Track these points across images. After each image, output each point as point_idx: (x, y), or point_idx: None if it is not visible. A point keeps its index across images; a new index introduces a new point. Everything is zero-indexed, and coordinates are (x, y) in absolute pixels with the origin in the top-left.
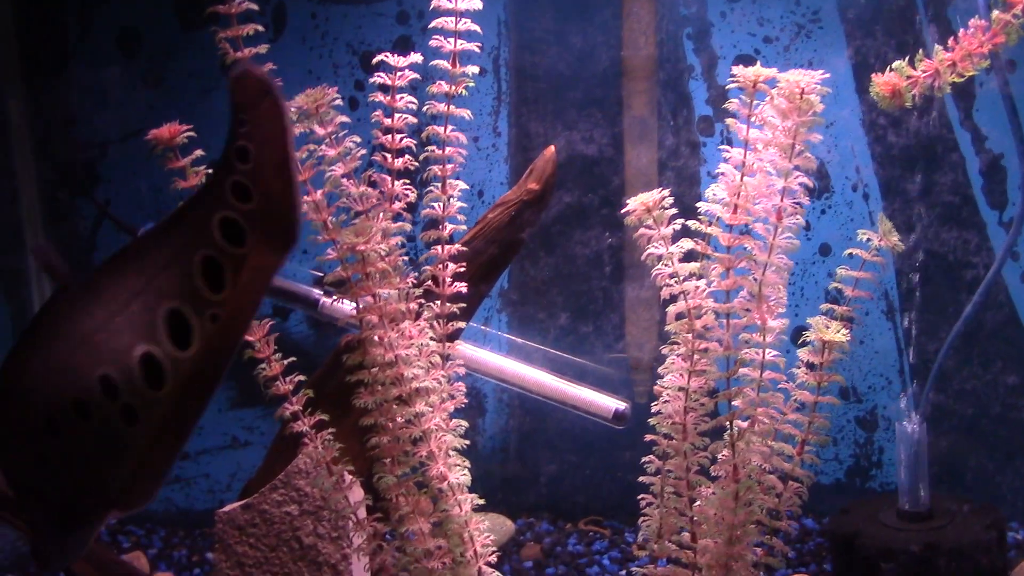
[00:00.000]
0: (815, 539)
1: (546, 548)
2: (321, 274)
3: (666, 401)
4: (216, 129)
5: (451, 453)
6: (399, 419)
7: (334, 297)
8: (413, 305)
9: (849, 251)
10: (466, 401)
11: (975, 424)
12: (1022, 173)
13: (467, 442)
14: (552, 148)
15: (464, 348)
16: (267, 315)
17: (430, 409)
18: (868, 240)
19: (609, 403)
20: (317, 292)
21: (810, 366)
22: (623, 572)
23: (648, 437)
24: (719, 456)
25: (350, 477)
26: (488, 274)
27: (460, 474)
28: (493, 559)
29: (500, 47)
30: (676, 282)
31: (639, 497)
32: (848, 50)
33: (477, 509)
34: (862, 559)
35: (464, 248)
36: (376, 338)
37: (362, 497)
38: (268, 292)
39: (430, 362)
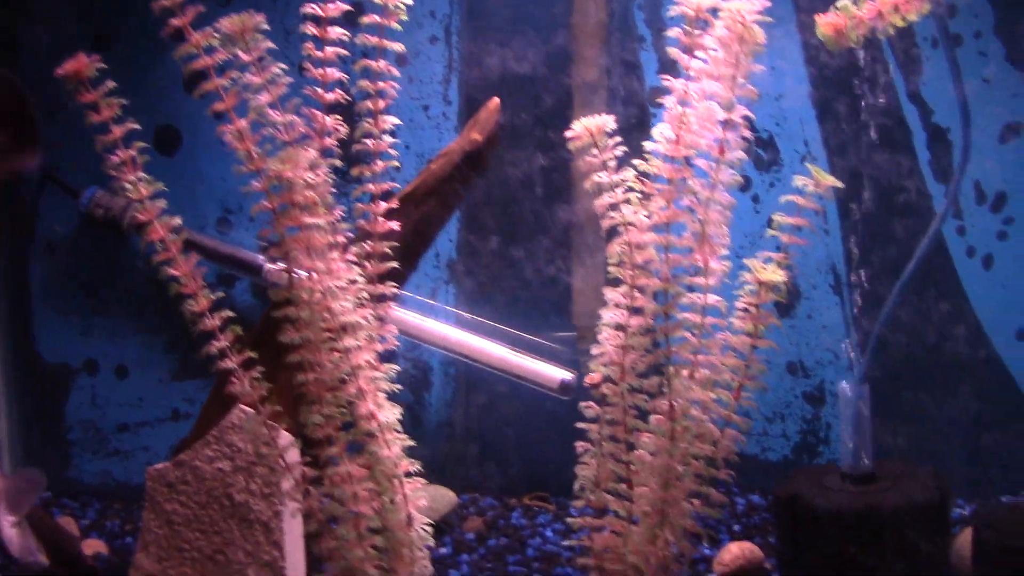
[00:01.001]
0: (761, 514)
1: (489, 521)
2: (266, 243)
3: (605, 340)
4: (167, 91)
5: (381, 395)
6: (326, 357)
7: (278, 263)
8: (341, 238)
9: (785, 197)
10: (398, 344)
11: (911, 354)
12: (963, 134)
13: (398, 387)
14: (496, 100)
15: (407, 316)
16: (211, 283)
17: (358, 344)
18: (804, 186)
19: (555, 374)
20: (261, 258)
21: (746, 310)
22: (565, 543)
23: (587, 380)
24: (657, 401)
25: (284, 433)
26: (428, 229)
27: (390, 414)
28: (422, 503)
29: (452, 15)
30: (618, 214)
31: (576, 444)
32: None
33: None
34: (803, 521)
35: (395, 185)
36: (302, 271)
37: (296, 451)
38: (211, 257)
39: (359, 299)
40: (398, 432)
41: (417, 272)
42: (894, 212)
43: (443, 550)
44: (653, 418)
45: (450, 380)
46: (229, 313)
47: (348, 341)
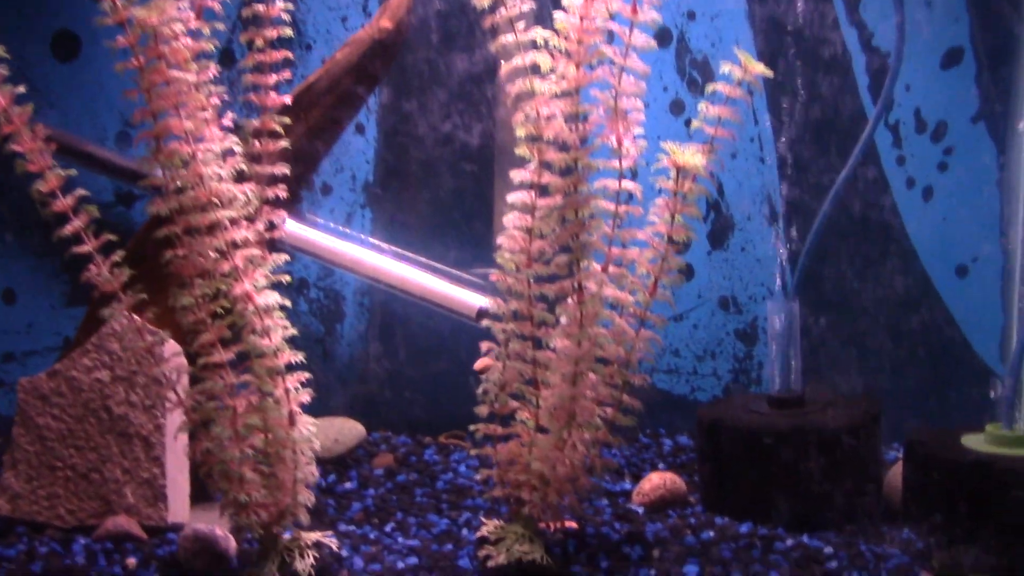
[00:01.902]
0: (688, 454)
1: (400, 457)
2: None
3: (510, 224)
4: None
5: (261, 279)
6: (199, 232)
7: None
8: (215, 100)
9: (712, 86)
10: (284, 235)
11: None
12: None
13: (286, 278)
14: None
15: (317, 237)
16: (109, 202)
17: (233, 215)
18: (729, 72)
19: (473, 300)
20: None
21: (664, 192)
22: (479, 476)
23: (493, 275)
24: (565, 288)
25: (171, 341)
26: (330, 124)
27: (270, 298)
28: (306, 399)
29: None
30: (524, 82)
31: (482, 346)
32: None
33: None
34: (726, 444)
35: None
36: (172, 131)
37: (182, 360)
38: (106, 169)
39: (237, 171)
40: (281, 321)
41: (331, 196)
42: (832, 137)
43: (348, 484)
44: (560, 306)
45: (364, 311)
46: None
47: (222, 214)
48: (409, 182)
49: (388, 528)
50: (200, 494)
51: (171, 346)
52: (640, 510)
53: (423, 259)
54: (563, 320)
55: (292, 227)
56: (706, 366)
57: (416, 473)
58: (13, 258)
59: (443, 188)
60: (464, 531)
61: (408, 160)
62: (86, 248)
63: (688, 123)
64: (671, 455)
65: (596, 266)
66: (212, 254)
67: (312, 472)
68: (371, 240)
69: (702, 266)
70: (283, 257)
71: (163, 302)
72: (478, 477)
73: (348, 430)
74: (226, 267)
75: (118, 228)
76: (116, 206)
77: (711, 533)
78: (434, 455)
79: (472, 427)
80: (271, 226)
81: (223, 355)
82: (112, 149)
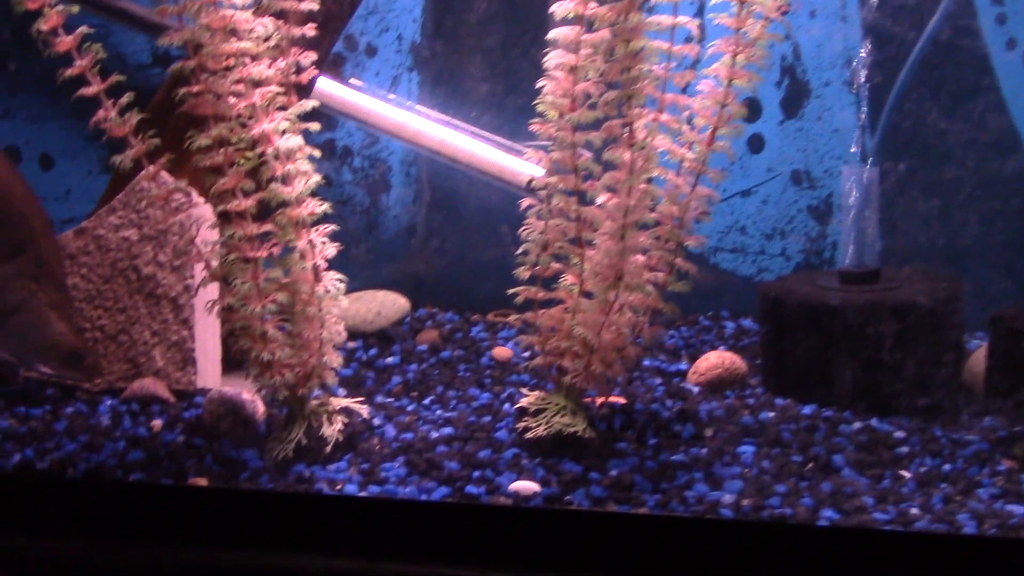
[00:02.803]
0: (751, 337)
1: (445, 334)
2: None
3: (552, 67)
4: None
5: (285, 122)
6: (215, 64)
7: None
8: None
9: None
10: (317, 72)
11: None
12: None
13: (315, 125)
14: None
15: (360, 100)
16: (146, 63)
17: (249, 45)
18: None
19: (523, 169)
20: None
21: (724, 30)
22: (526, 354)
23: (533, 124)
24: (613, 130)
25: (200, 199)
26: None
27: (292, 141)
28: (332, 252)
29: None
30: None
31: (519, 202)
32: None
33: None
34: (791, 321)
35: None
36: None
37: (201, 206)
38: (125, 19)
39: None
40: (305, 167)
41: (376, 57)
42: None
43: (390, 359)
44: (609, 151)
45: (411, 181)
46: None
47: (239, 45)
48: (460, 43)
49: (427, 401)
50: (235, 363)
51: (196, 197)
52: (695, 389)
53: (473, 128)
54: (607, 176)
55: (334, 88)
56: (775, 245)
57: (461, 349)
58: (48, 123)
59: (496, 49)
60: (506, 405)
61: (459, 18)
62: (93, 89)
63: None
64: (733, 338)
65: (648, 111)
66: (229, 91)
67: (339, 332)
68: (418, 106)
69: (773, 136)
70: (311, 103)
71: (188, 163)
72: (525, 355)
73: (391, 303)
74: (242, 104)
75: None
76: (153, 67)
77: (770, 414)
78: (481, 332)
79: (511, 291)
80: (299, 68)
81: (243, 202)
82: (143, 3)
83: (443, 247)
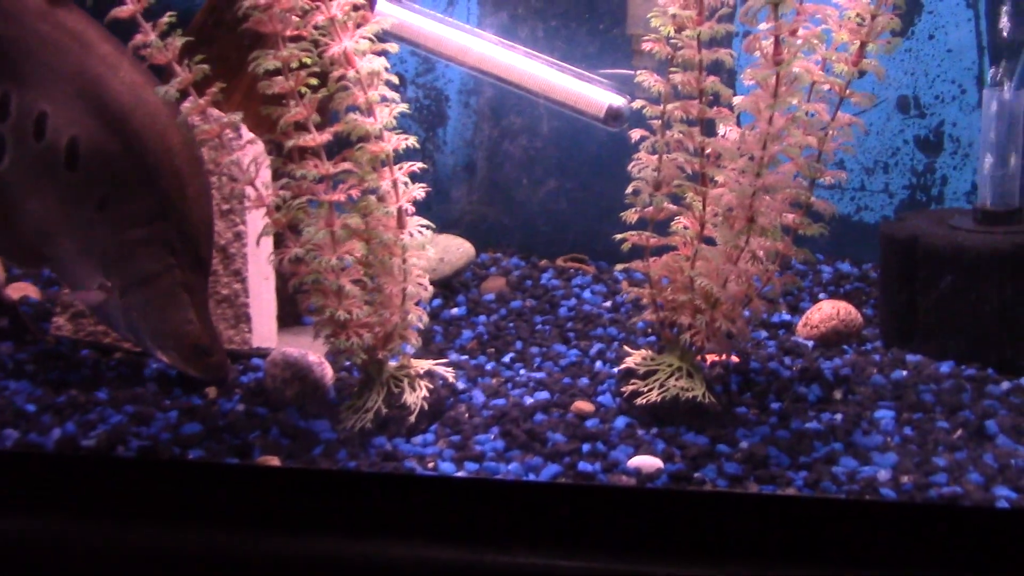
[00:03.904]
0: (853, 283)
1: (513, 281)
2: None
3: None
4: None
5: (363, 41)
6: None
7: None
8: None
9: None
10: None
11: None
12: None
13: (393, 47)
14: None
15: (415, 19)
16: None
17: None
18: None
19: (602, 98)
20: None
21: None
22: (608, 303)
23: (646, 43)
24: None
25: (249, 134)
26: None
27: (375, 63)
28: (419, 194)
29: None
30: None
31: (629, 133)
32: None
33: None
34: (925, 266)
35: None
36: None
37: (257, 143)
38: None
39: None
40: (389, 93)
41: None
42: None
43: (456, 310)
44: (748, 71)
45: (471, 113)
46: None
47: None
48: None
49: (507, 359)
50: (290, 317)
51: (246, 133)
52: (809, 344)
53: (537, 53)
54: (742, 100)
55: (383, 6)
56: (876, 180)
57: (533, 299)
58: None
59: None
60: (598, 363)
61: None
62: (128, 9)
63: None
64: (832, 283)
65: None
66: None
67: (425, 286)
68: (477, 30)
69: (877, 58)
70: (388, 18)
71: (236, 93)
72: (607, 304)
73: (455, 249)
74: (320, 19)
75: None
76: None
77: (904, 372)
78: (552, 280)
79: (618, 236)
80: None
81: (317, 136)
82: None
83: (506, 185)
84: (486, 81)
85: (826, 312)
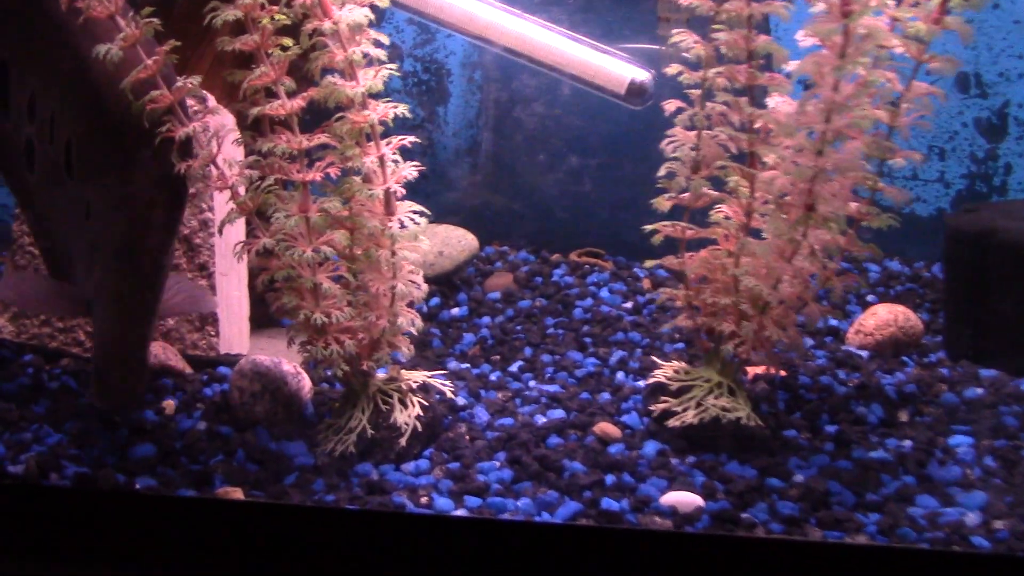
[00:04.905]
0: (904, 283)
1: (521, 278)
2: None
3: None
4: None
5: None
6: None
7: None
8: None
9: None
10: None
11: None
12: None
13: None
14: None
15: None
16: None
17: None
18: None
19: (623, 72)
20: None
21: None
22: (628, 304)
23: None
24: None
25: (220, 107)
26: None
27: (358, 13)
28: (411, 174)
29: None
30: None
31: (663, 104)
32: None
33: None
34: (1001, 265)
35: None
36: None
37: (221, 113)
38: None
39: None
40: (374, 52)
41: None
42: None
43: (456, 310)
44: (810, 27)
45: (475, 89)
46: None
47: None
48: None
49: (514, 368)
50: (266, 318)
51: (210, 102)
52: (863, 354)
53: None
54: (802, 63)
55: None
56: (931, 168)
57: (544, 299)
58: None
59: None
60: (619, 375)
61: None
62: None
63: None
64: (880, 284)
65: None
66: None
67: (418, 284)
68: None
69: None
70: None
71: (202, 60)
72: (627, 306)
73: (456, 240)
74: None
75: None
76: None
77: (979, 390)
78: (566, 277)
79: (648, 227)
80: None
81: (288, 103)
82: None
83: (512, 171)
84: (492, 53)
85: (882, 318)
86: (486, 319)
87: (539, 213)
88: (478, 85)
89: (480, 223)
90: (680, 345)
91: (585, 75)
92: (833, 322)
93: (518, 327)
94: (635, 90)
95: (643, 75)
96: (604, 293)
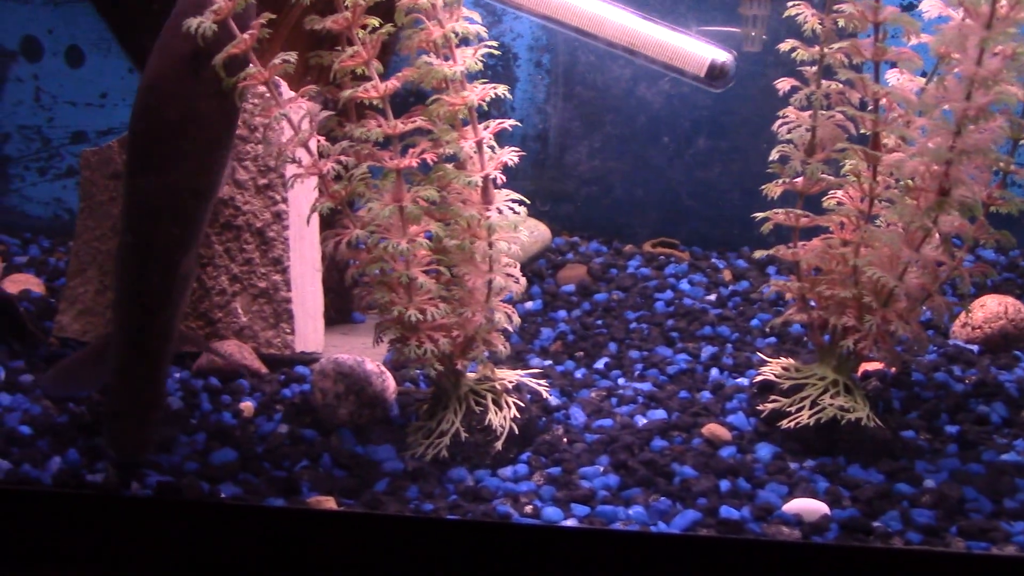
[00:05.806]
0: (1001, 274)
1: (595, 270)
2: None
3: None
4: None
5: None
6: None
7: None
8: None
9: None
10: None
11: None
12: None
13: None
14: None
15: None
16: None
17: None
18: None
19: (704, 53)
20: None
21: None
22: (712, 296)
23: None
24: None
25: (289, 92)
26: None
27: None
28: (511, 158)
29: None
30: None
31: (776, 83)
32: None
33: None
34: None
35: None
36: None
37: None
38: None
39: None
40: (473, 27)
41: None
42: None
43: (531, 304)
44: None
45: (543, 74)
46: None
47: None
48: None
49: (600, 364)
50: (337, 312)
51: (286, 91)
52: (973, 348)
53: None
54: (939, 36)
55: None
56: None
57: (620, 291)
58: (77, 6)
59: None
60: (713, 371)
61: None
62: None
63: None
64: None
65: None
66: None
67: (516, 277)
68: None
69: None
70: None
71: (275, 41)
72: (766, 291)
73: (528, 231)
74: None
75: None
76: None
77: None
78: (641, 268)
79: (757, 215)
80: None
81: (382, 85)
82: None
83: (582, 158)
84: (561, 35)
85: (991, 310)
86: (562, 313)
87: (609, 202)
88: (547, 70)
89: (550, 214)
90: (772, 339)
91: (663, 57)
92: (927, 313)
93: (598, 321)
94: (716, 72)
95: (724, 56)
96: (684, 285)
